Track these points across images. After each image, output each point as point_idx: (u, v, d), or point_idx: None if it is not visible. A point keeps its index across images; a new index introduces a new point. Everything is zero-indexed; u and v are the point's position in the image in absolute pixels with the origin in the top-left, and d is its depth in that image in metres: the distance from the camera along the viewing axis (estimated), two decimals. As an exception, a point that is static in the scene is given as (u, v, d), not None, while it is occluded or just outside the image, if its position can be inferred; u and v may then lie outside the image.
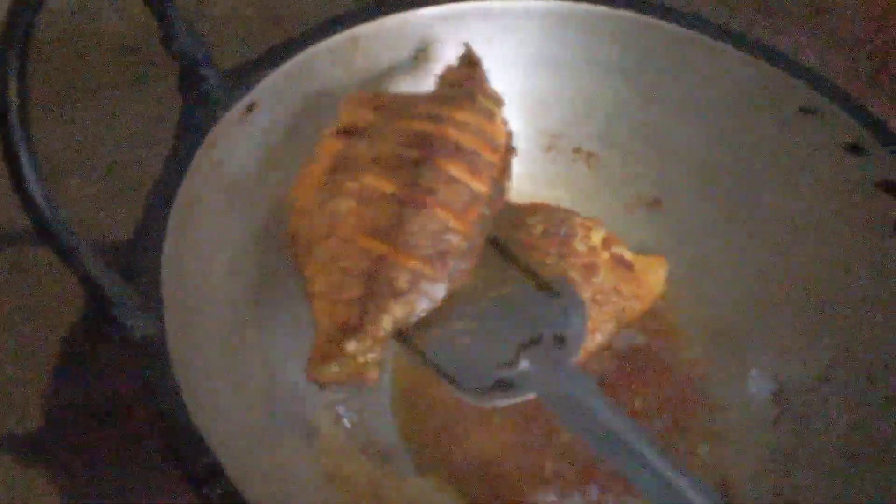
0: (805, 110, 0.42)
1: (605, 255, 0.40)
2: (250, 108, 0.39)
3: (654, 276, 0.42)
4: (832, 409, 0.39)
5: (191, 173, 0.36)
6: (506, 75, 0.44)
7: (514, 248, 0.38)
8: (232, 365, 0.36)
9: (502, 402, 0.34)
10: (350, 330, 0.33)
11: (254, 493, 0.30)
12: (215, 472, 0.30)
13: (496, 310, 0.36)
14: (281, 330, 0.39)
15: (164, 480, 0.38)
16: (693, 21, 0.43)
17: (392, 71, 0.42)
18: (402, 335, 0.34)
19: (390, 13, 0.42)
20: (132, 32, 0.58)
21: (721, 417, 0.41)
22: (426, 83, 0.43)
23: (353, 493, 0.36)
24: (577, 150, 0.47)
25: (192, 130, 0.37)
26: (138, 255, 0.34)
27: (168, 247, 0.34)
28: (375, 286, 0.33)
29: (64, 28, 0.58)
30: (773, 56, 0.43)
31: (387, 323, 0.33)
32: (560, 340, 0.35)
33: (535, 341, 0.35)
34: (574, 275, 0.39)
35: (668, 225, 0.46)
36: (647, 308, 0.42)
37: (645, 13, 0.44)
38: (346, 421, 0.39)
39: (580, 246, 0.40)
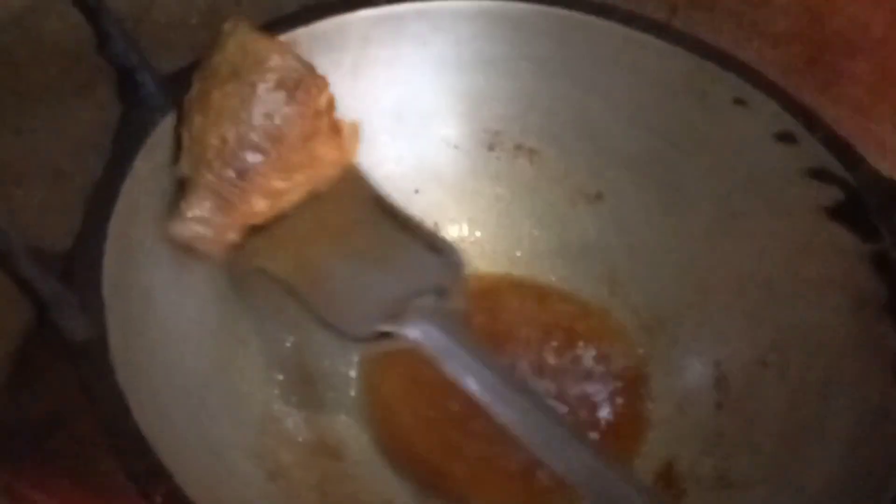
0: (737, 101, 0.43)
1: (325, 121, 0.40)
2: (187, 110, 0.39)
3: (352, 143, 0.41)
4: (771, 392, 0.40)
5: (131, 177, 0.37)
6: (444, 75, 0.45)
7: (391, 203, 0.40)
8: (175, 364, 0.36)
9: (384, 347, 0.36)
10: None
11: (197, 491, 0.30)
12: (158, 471, 0.30)
13: (381, 265, 0.37)
14: (226, 328, 0.39)
15: (112, 484, 0.38)
16: (626, 17, 0.44)
17: (329, 73, 0.43)
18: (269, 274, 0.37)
19: (327, 16, 0.42)
20: (76, 41, 0.58)
21: (663, 404, 0.42)
22: (364, 84, 0.44)
23: (297, 490, 0.37)
24: (518, 147, 0.47)
25: (130, 135, 0.38)
26: (78, 259, 0.34)
27: (109, 250, 0.35)
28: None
29: (7, 36, 0.58)
30: (705, 49, 0.43)
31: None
32: (441, 292, 0.36)
33: (420, 294, 0.36)
34: (291, 134, 0.38)
35: (610, 218, 0.46)
36: (339, 175, 0.41)
37: (579, 10, 0.44)
38: (293, 420, 0.40)
39: (306, 109, 0.39)
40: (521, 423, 0.33)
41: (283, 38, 0.41)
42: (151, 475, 0.30)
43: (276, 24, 0.41)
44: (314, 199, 0.40)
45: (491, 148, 0.47)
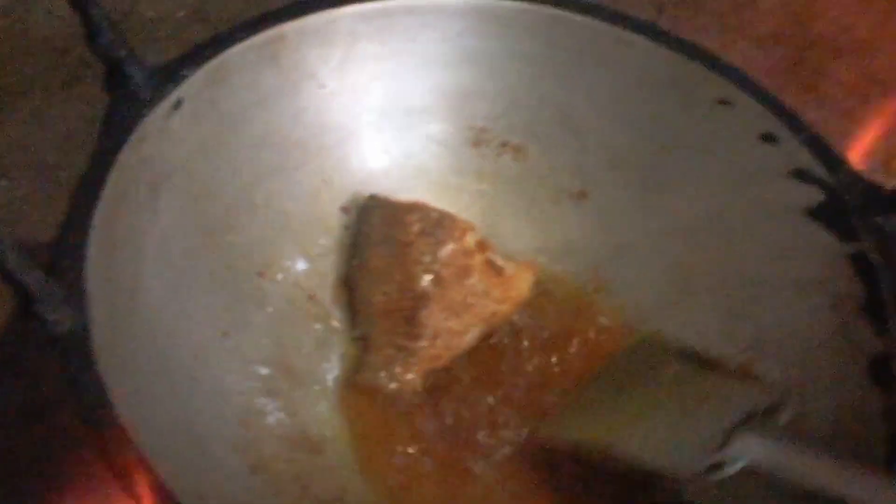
0: (721, 102, 0.43)
1: (479, 259, 0.42)
2: (177, 105, 0.39)
3: (523, 281, 0.44)
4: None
5: (117, 169, 0.37)
6: (431, 71, 0.45)
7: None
8: (160, 357, 0.36)
9: (718, 477, 0.36)
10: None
11: (179, 484, 0.30)
12: (140, 463, 0.30)
13: (698, 406, 0.38)
14: (211, 322, 0.39)
15: (94, 475, 0.38)
16: (613, 17, 0.44)
17: (318, 68, 0.43)
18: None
19: (316, 10, 0.43)
20: (62, 34, 0.58)
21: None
22: (352, 79, 0.44)
23: (278, 484, 0.37)
24: (503, 144, 0.47)
25: (117, 127, 0.38)
26: (62, 252, 0.34)
27: (94, 242, 0.35)
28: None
29: (-7, 30, 0.58)
30: (690, 50, 0.44)
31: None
32: (769, 413, 0.37)
33: (746, 420, 0.37)
34: (447, 275, 0.41)
35: (593, 216, 0.47)
36: (513, 311, 0.44)
37: (566, 9, 0.44)
38: (275, 415, 0.40)
39: (455, 247, 0.42)
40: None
41: (273, 32, 0.42)
42: (133, 467, 0.30)
43: (266, 19, 0.41)
44: (611, 366, 0.42)
45: (476, 144, 0.48)
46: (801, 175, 0.41)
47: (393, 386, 0.41)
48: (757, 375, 0.40)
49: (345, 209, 0.46)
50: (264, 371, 0.41)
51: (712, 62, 0.43)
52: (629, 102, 0.45)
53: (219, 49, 0.41)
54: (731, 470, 0.36)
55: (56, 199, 0.49)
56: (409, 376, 0.42)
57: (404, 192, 0.46)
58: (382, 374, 0.41)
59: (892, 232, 0.39)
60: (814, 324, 0.40)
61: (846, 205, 0.40)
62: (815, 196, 0.41)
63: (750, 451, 0.36)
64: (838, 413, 0.38)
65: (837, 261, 0.39)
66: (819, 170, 0.41)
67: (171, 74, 0.39)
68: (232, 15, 0.61)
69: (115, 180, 0.36)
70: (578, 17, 0.44)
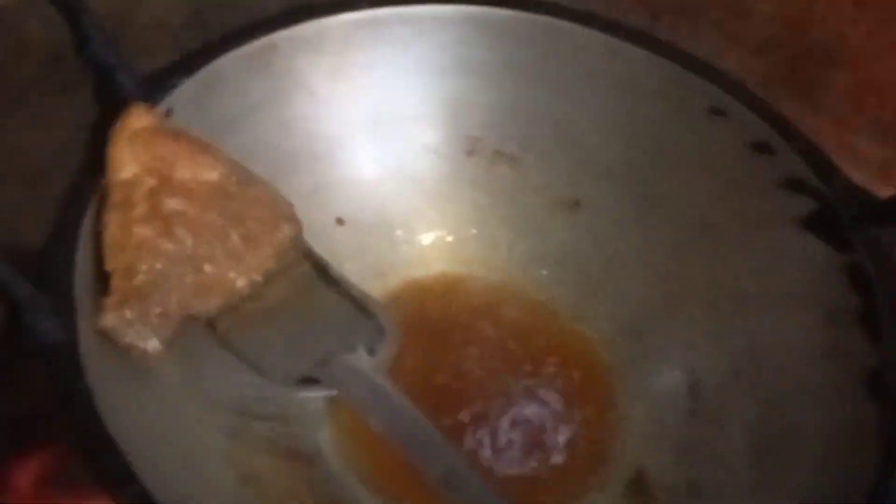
0: (714, 111, 0.43)
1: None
2: (167, 113, 0.39)
3: None
4: (743, 402, 0.40)
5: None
6: (424, 80, 0.45)
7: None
8: (146, 367, 0.36)
9: (307, 394, 0.39)
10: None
11: (167, 496, 0.30)
12: (128, 475, 0.30)
13: (314, 321, 0.40)
14: (198, 332, 0.39)
15: (83, 487, 0.38)
16: (607, 25, 0.44)
17: (310, 77, 0.43)
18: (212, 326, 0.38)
19: (308, 19, 0.43)
20: (57, 41, 0.58)
21: (637, 411, 0.42)
22: (344, 88, 0.44)
23: (269, 495, 0.37)
24: (498, 153, 0.47)
25: (107, 137, 0.38)
26: (51, 261, 0.34)
27: (82, 252, 0.35)
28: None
29: (-14, 37, 0.58)
30: (684, 59, 0.44)
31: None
32: (371, 352, 0.39)
33: (349, 350, 0.39)
34: None
35: (587, 226, 0.46)
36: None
37: (561, 18, 0.44)
38: (267, 424, 0.40)
39: None
40: (443, 479, 0.36)
41: (264, 40, 0.42)
42: (121, 479, 0.30)
43: (258, 28, 0.41)
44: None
45: (470, 154, 0.47)
46: (794, 185, 0.41)
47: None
48: (376, 312, 0.40)
49: (339, 220, 0.46)
50: (256, 381, 0.41)
51: (705, 71, 0.43)
52: (623, 111, 0.45)
53: (210, 57, 0.41)
54: (322, 393, 0.38)
55: (50, 206, 0.49)
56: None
57: (398, 201, 0.46)
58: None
59: (887, 242, 0.39)
60: (808, 335, 0.39)
61: (840, 215, 0.39)
62: (808, 206, 0.40)
63: (345, 380, 0.38)
64: (832, 426, 0.37)
65: (832, 272, 0.39)
66: (813, 179, 0.40)
67: (161, 83, 0.39)
68: (228, 22, 0.61)
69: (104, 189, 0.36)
70: (573, 27, 0.44)
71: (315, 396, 0.40)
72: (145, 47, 0.59)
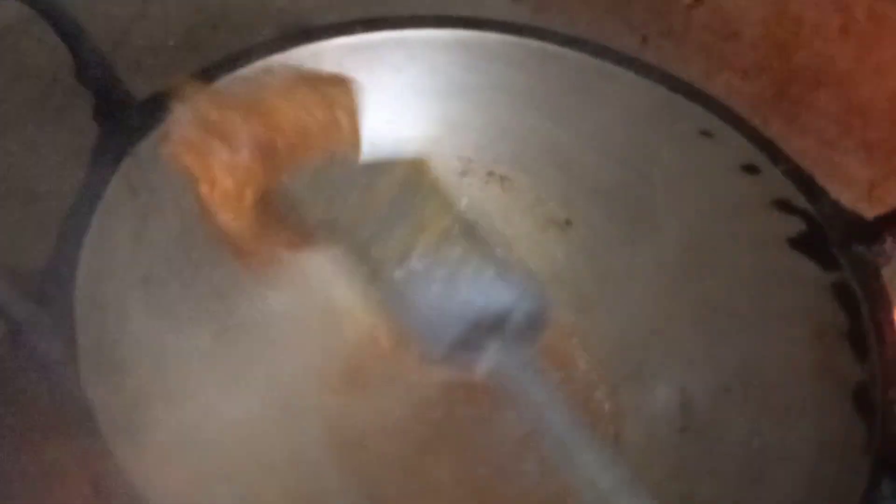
0: (703, 133, 0.43)
1: None
2: (165, 136, 0.40)
3: None
4: (734, 418, 0.41)
5: (105, 200, 0.37)
6: (418, 102, 0.46)
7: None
8: (148, 386, 0.36)
9: (450, 366, 0.34)
10: None
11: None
12: (130, 495, 0.30)
13: (465, 286, 0.35)
14: (197, 350, 0.40)
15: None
16: (597, 50, 0.45)
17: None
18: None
19: (303, 43, 0.43)
20: (54, 62, 0.59)
21: (629, 428, 0.43)
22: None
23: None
24: (490, 174, 0.48)
25: (106, 158, 0.38)
26: (50, 281, 0.34)
27: (82, 272, 0.35)
28: None
29: (-16, 59, 0.58)
30: (672, 82, 0.44)
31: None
32: (522, 331, 0.34)
33: (500, 326, 0.34)
34: None
35: (578, 245, 0.47)
36: None
37: (551, 42, 0.45)
38: (270, 441, 0.40)
39: None
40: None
41: (260, 64, 0.42)
42: (122, 496, 0.30)
43: (252, 52, 0.42)
44: None
45: (463, 174, 0.48)
46: (783, 206, 0.42)
47: None
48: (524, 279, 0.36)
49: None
50: (259, 398, 0.41)
51: (694, 94, 0.44)
52: (613, 133, 0.45)
53: (206, 82, 0.41)
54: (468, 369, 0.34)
55: (46, 227, 0.49)
56: None
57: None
58: None
59: (873, 261, 0.40)
60: (797, 352, 0.40)
61: (827, 235, 0.40)
62: (796, 226, 0.41)
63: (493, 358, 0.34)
64: (821, 441, 0.38)
65: (820, 290, 0.40)
66: (801, 200, 0.41)
67: (160, 106, 0.40)
68: (222, 45, 0.61)
69: (103, 210, 0.37)
70: (564, 51, 0.45)
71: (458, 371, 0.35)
72: (140, 69, 0.60)
